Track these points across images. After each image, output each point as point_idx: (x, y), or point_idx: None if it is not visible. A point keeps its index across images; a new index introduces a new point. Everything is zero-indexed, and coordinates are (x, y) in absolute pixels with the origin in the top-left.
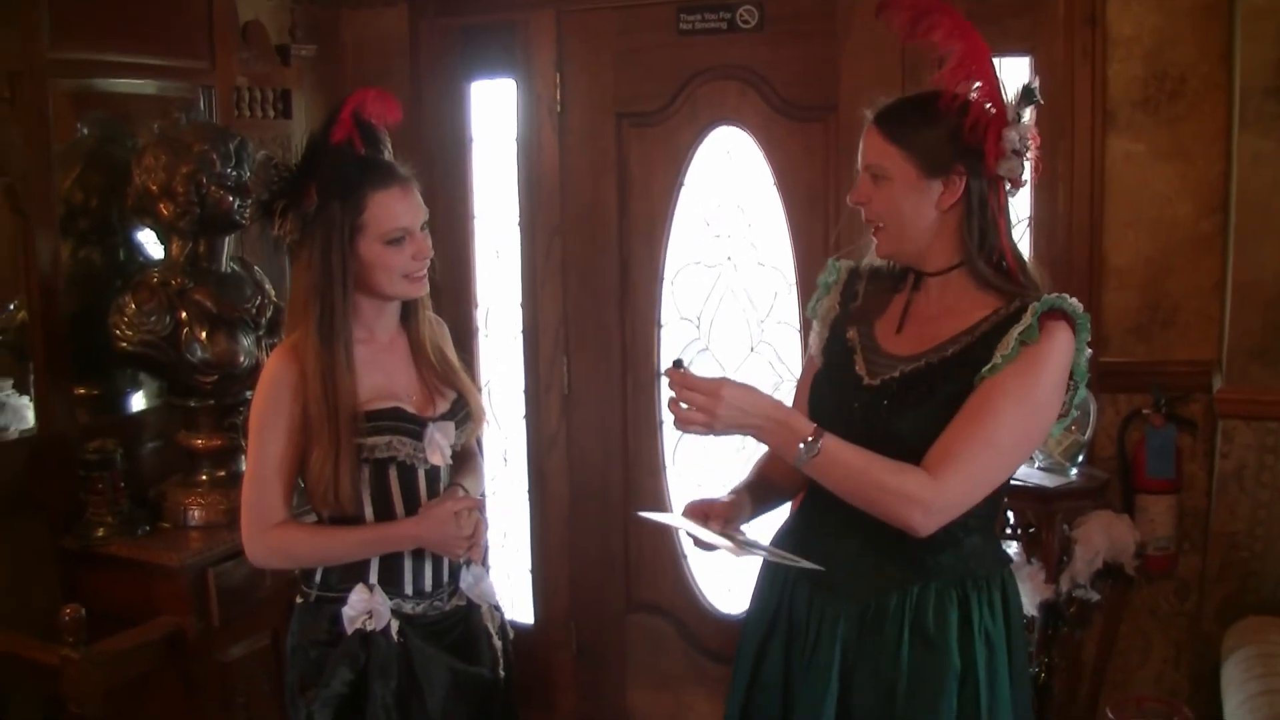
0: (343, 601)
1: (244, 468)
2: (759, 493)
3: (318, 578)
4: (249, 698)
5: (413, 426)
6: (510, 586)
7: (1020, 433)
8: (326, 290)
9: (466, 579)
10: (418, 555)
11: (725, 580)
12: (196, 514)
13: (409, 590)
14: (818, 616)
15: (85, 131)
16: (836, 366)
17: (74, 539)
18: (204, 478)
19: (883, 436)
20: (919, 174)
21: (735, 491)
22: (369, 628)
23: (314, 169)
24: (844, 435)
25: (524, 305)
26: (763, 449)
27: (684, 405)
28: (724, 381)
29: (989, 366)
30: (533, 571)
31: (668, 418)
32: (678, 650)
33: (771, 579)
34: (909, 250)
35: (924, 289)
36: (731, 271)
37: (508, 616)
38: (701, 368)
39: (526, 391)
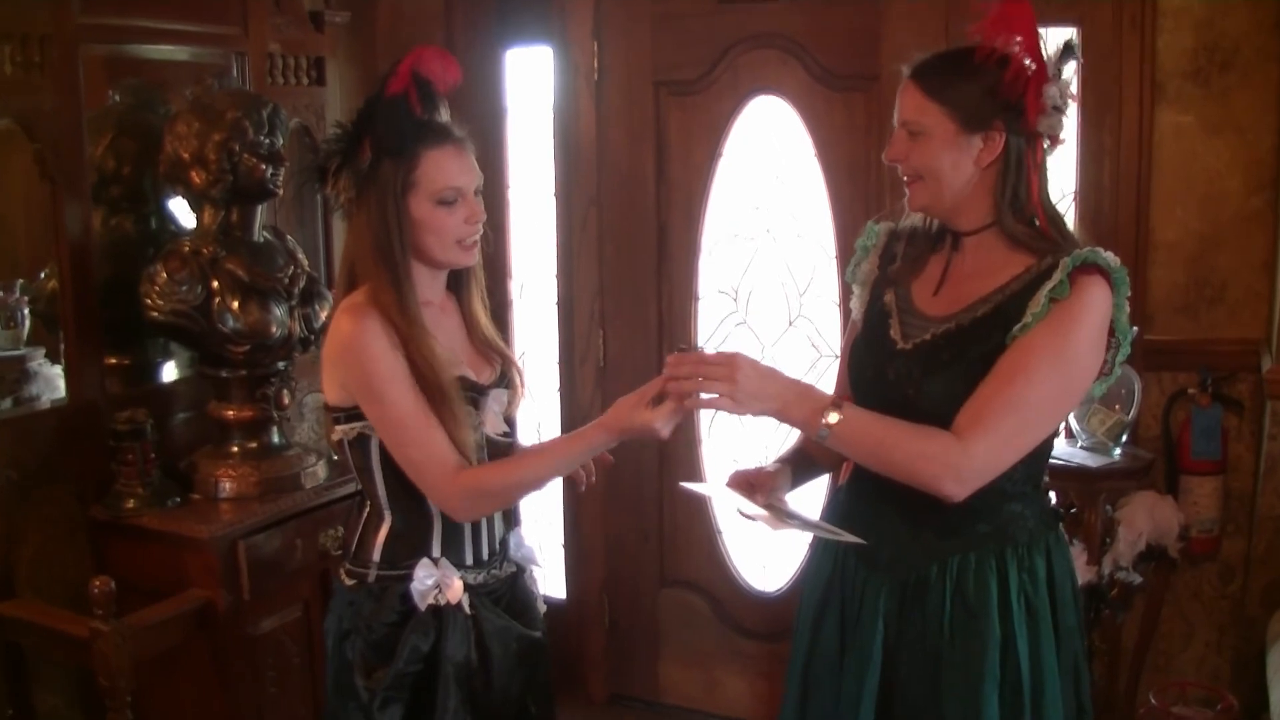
0: (409, 578)
1: (340, 436)
2: (800, 465)
3: (375, 555)
4: (279, 671)
5: (475, 395)
6: (543, 561)
7: (1053, 392)
8: (388, 249)
9: (511, 543)
10: (476, 524)
11: (760, 557)
12: (227, 486)
13: (469, 560)
14: (862, 589)
15: (117, 98)
16: (873, 330)
17: (104, 510)
18: (235, 449)
19: (915, 401)
20: (958, 129)
21: (778, 462)
22: (441, 601)
23: (368, 123)
24: (878, 402)
25: (559, 277)
26: None
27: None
28: (737, 354)
29: (1020, 325)
30: (565, 545)
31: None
32: (711, 626)
33: (825, 550)
34: (943, 206)
35: (961, 249)
36: (770, 244)
37: (541, 591)
38: (738, 343)
39: (561, 364)
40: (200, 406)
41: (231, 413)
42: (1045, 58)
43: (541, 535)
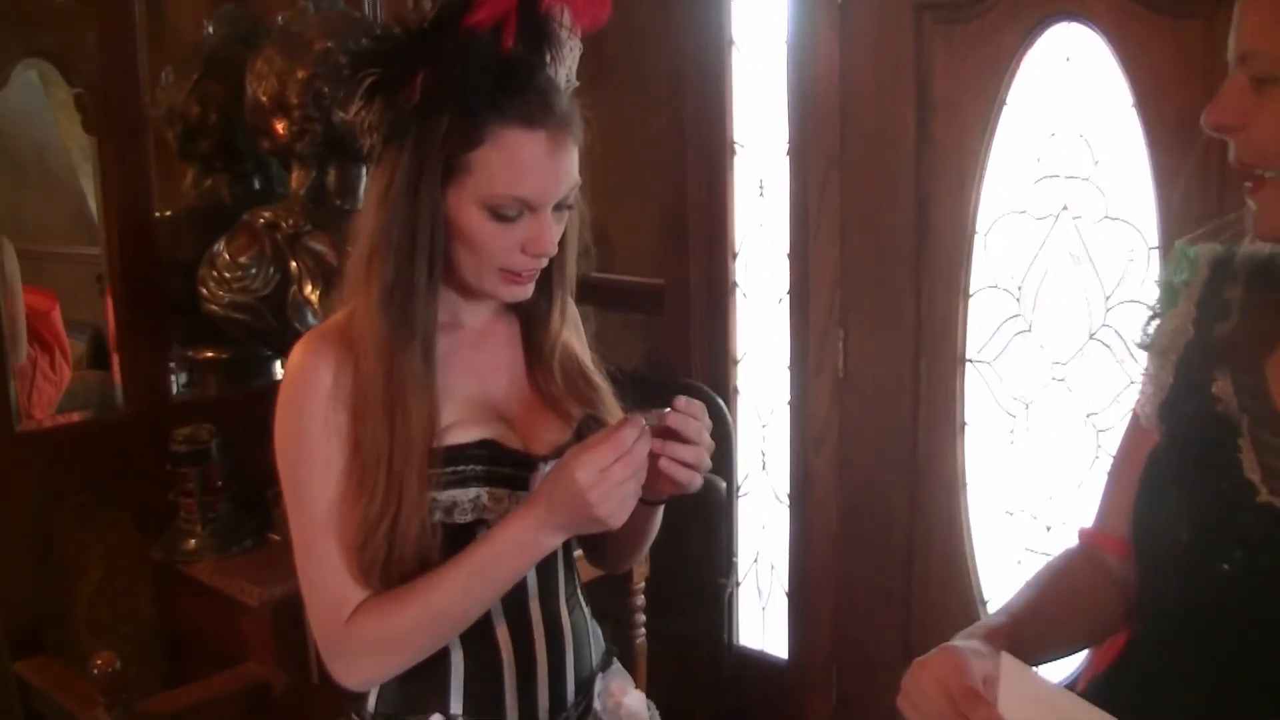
0: None
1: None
2: (1037, 626)
3: (371, 700)
4: None
5: (514, 471)
6: (764, 614)
7: None
8: (407, 239)
9: (599, 688)
10: (523, 664)
11: None
12: None
13: (514, 718)
14: None
15: (210, 30)
16: (1196, 452)
17: (161, 549)
18: None
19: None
20: None
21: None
22: None
23: (430, 51)
24: (1212, 605)
25: (792, 259)
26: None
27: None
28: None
29: None
30: (790, 596)
31: (971, 415)
32: None
33: None
34: None
35: None
36: (1067, 226)
37: (759, 647)
38: (1020, 354)
39: (792, 371)
40: None
41: None
42: None
43: (763, 581)
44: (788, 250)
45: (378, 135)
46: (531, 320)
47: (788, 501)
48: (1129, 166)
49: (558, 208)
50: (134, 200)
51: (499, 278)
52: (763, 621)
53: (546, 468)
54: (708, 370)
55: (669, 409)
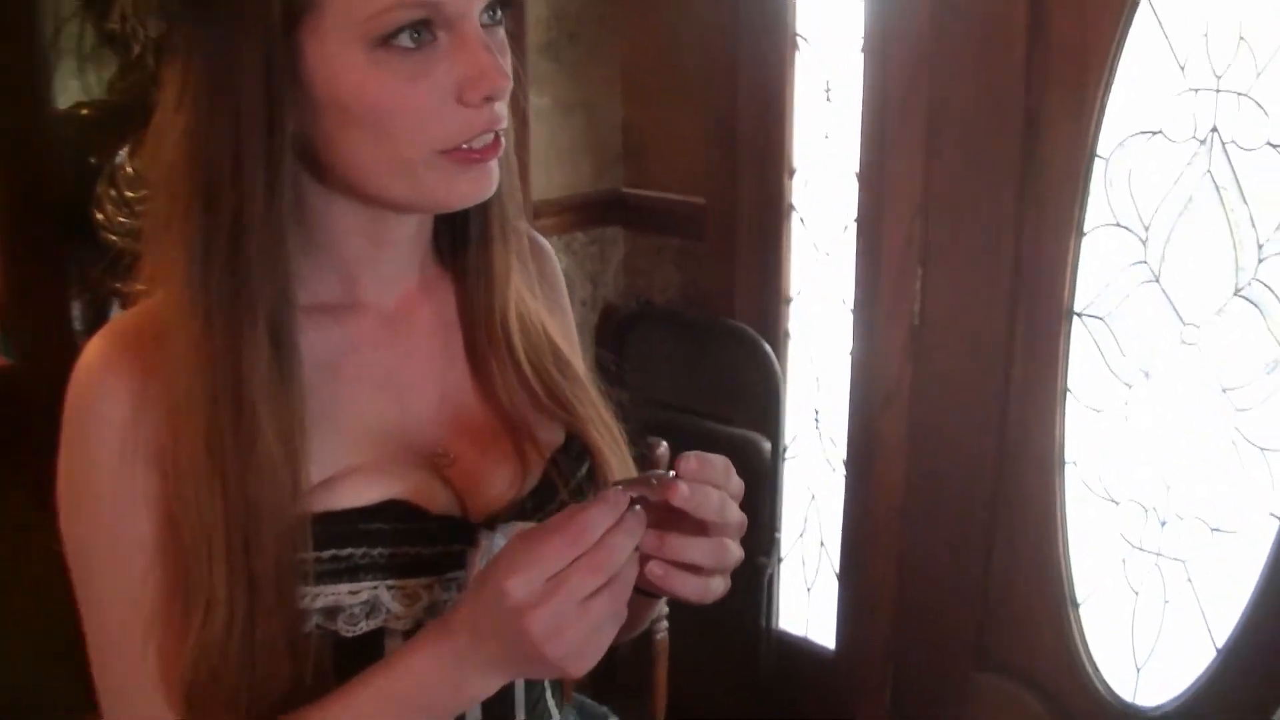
0: None
1: None
2: None
3: None
4: None
5: (439, 549)
6: (809, 597)
7: None
8: (227, 152)
9: None
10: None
11: (1133, 652)
12: None
13: None
14: None
15: None
16: None
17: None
18: None
19: None
20: None
21: None
22: None
23: None
24: None
25: (862, 179)
26: None
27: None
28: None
29: None
30: (840, 578)
31: (1077, 380)
32: None
33: None
34: None
35: None
36: (1216, 153)
37: (802, 634)
38: (1143, 310)
39: (856, 315)
40: None
41: None
42: None
43: (809, 559)
44: (857, 169)
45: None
46: (472, 282)
47: (844, 469)
48: None
49: (490, 22)
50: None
51: (441, 166)
52: (807, 606)
53: (498, 540)
54: (756, 309)
55: (672, 471)
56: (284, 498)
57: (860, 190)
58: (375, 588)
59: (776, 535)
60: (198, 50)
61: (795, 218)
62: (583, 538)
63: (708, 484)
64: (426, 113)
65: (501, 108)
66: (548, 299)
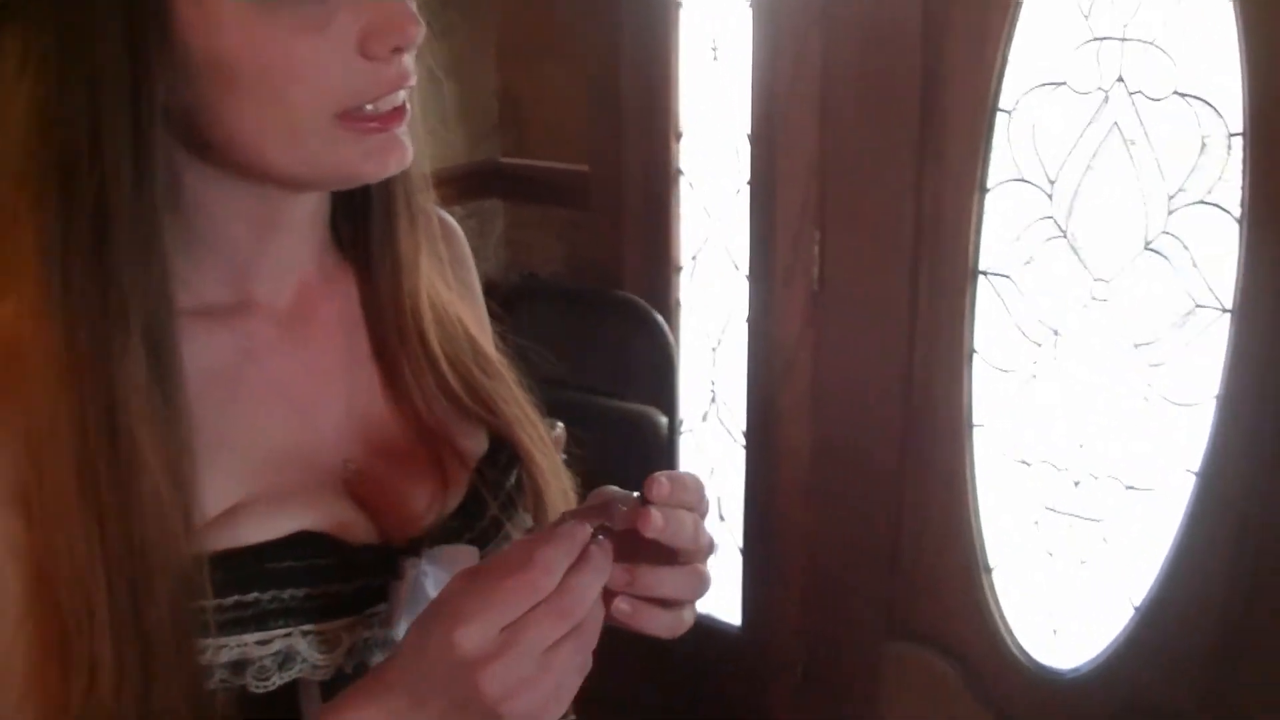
0: None
1: None
2: None
3: None
4: None
5: (359, 584)
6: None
7: None
8: (81, 129)
9: None
10: None
11: (1051, 615)
12: None
13: None
14: None
15: None
16: None
17: None
18: None
19: None
20: None
21: None
22: None
23: None
24: None
25: (755, 140)
26: None
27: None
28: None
29: None
30: (744, 553)
31: (984, 342)
32: (960, 706)
33: None
34: None
35: None
36: (1122, 104)
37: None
38: (1050, 267)
39: (752, 282)
40: None
41: None
42: None
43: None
44: (749, 130)
45: None
46: (378, 276)
47: (744, 441)
48: (1209, 27)
49: None
50: None
51: (340, 134)
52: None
53: (425, 568)
54: (645, 279)
55: (639, 494)
56: (175, 538)
57: (752, 152)
58: (289, 635)
59: None
60: (41, 5)
61: (684, 182)
62: (543, 579)
63: (681, 508)
64: (324, 69)
65: (410, 61)
66: (460, 286)
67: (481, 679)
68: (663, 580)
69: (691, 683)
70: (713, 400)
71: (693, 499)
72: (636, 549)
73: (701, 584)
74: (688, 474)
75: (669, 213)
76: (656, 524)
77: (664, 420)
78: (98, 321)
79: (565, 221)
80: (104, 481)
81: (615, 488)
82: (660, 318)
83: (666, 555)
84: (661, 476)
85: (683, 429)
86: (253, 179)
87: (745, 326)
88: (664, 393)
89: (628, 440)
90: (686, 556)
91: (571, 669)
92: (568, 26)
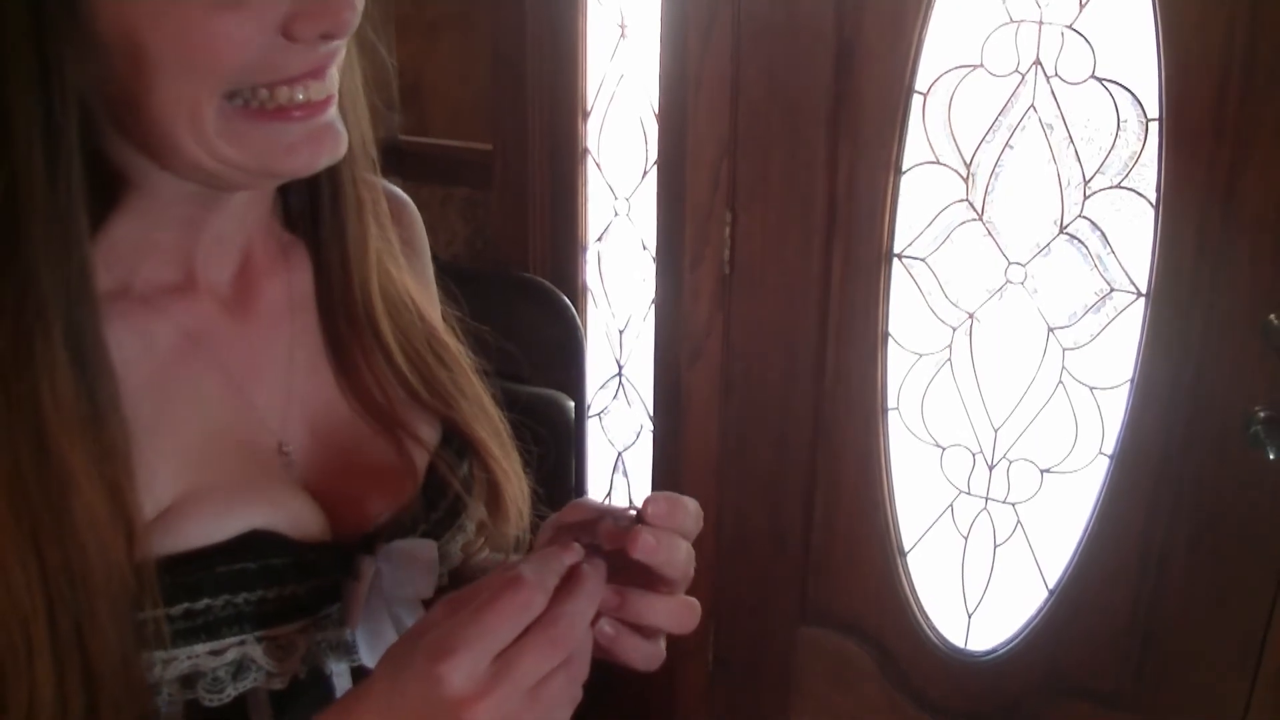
0: None
1: None
2: None
3: None
4: None
5: (311, 585)
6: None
7: None
8: None
9: None
10: None
11: (963, 598)
12: None
13: None
14: None
15: None
16: None
17: None
18: None
19: None
20: None
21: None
22: None
23: None
24: None
25: (662, 114)
26: None
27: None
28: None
29: None
30: None
31: (898, 324)
32: (875, 689)
33: None
34: None
35: None
36: (1039, 87)
37: None
38: (965, 250)
39: (660, 264)
40: None
41: None
42: None
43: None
44: (657, 108)
45: None
46: (324, 258)
47: (653, 425)
48: (1126, 12)
49: None
50: None
51: (241, 125)
52: None
53: (383, 568)
54: (550, 260)
55: (634, 511)
56: (116, 552)
57: (660, 131)
58: (243, 642)
59: (585, 495)
60: None
61: (590, 162)
62: (535, 597)
63: (676, 533)
64: (241, 46)
65: (338, 49)
66: (413, 267)
67: (469, 718)
68: (655, 608)
69: (599, 669)
70: (620, 384)
71: (689, 525)
72: (616, 570)
73: (693, 617)
74: (687, 498)
75: (575, 193)
76: (648, 546)
77: (571, 404)
78: (15, 325)
79: (468, 201)
80: (36, 502)
81: (593, 499)
82: (566, 300)
83: (646, 580)
84: (660, 496)
85: (590, 413)
86: (178, 174)
87: (653, 310)
88: (571, 376)
89: (534, 424)
90: (667, 585)
91: (563, 702)
92: (471, 0)
